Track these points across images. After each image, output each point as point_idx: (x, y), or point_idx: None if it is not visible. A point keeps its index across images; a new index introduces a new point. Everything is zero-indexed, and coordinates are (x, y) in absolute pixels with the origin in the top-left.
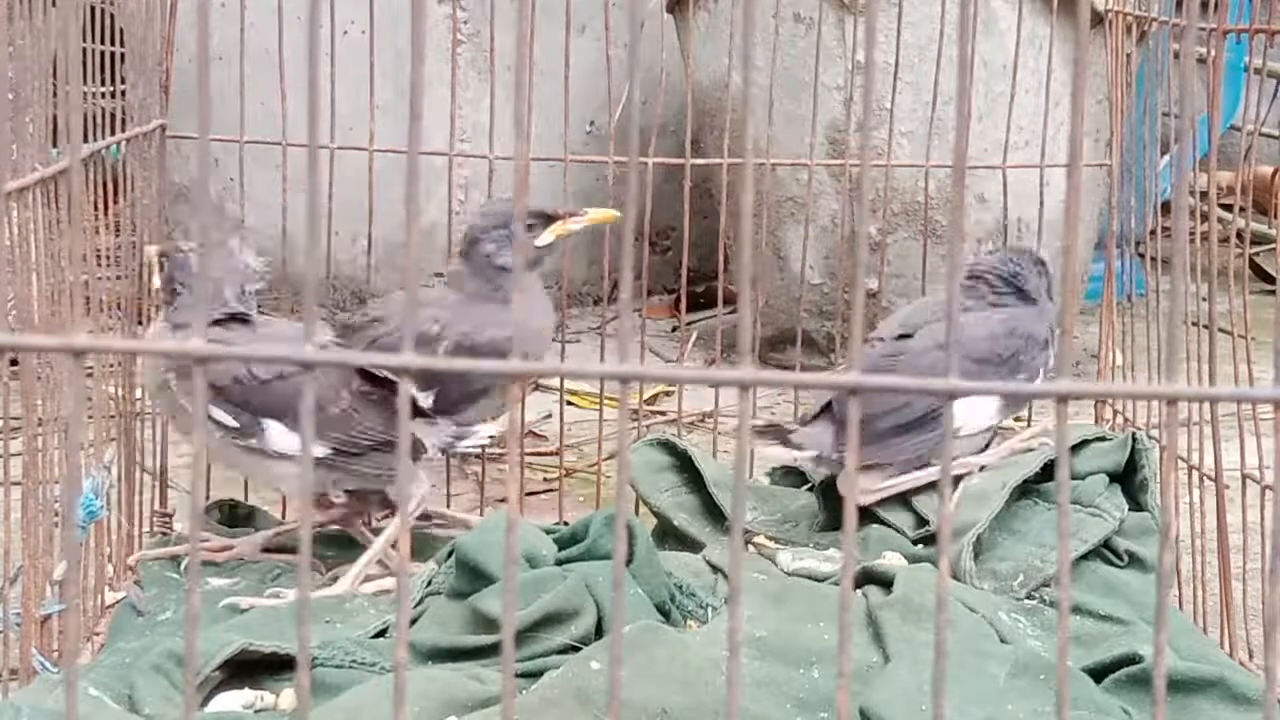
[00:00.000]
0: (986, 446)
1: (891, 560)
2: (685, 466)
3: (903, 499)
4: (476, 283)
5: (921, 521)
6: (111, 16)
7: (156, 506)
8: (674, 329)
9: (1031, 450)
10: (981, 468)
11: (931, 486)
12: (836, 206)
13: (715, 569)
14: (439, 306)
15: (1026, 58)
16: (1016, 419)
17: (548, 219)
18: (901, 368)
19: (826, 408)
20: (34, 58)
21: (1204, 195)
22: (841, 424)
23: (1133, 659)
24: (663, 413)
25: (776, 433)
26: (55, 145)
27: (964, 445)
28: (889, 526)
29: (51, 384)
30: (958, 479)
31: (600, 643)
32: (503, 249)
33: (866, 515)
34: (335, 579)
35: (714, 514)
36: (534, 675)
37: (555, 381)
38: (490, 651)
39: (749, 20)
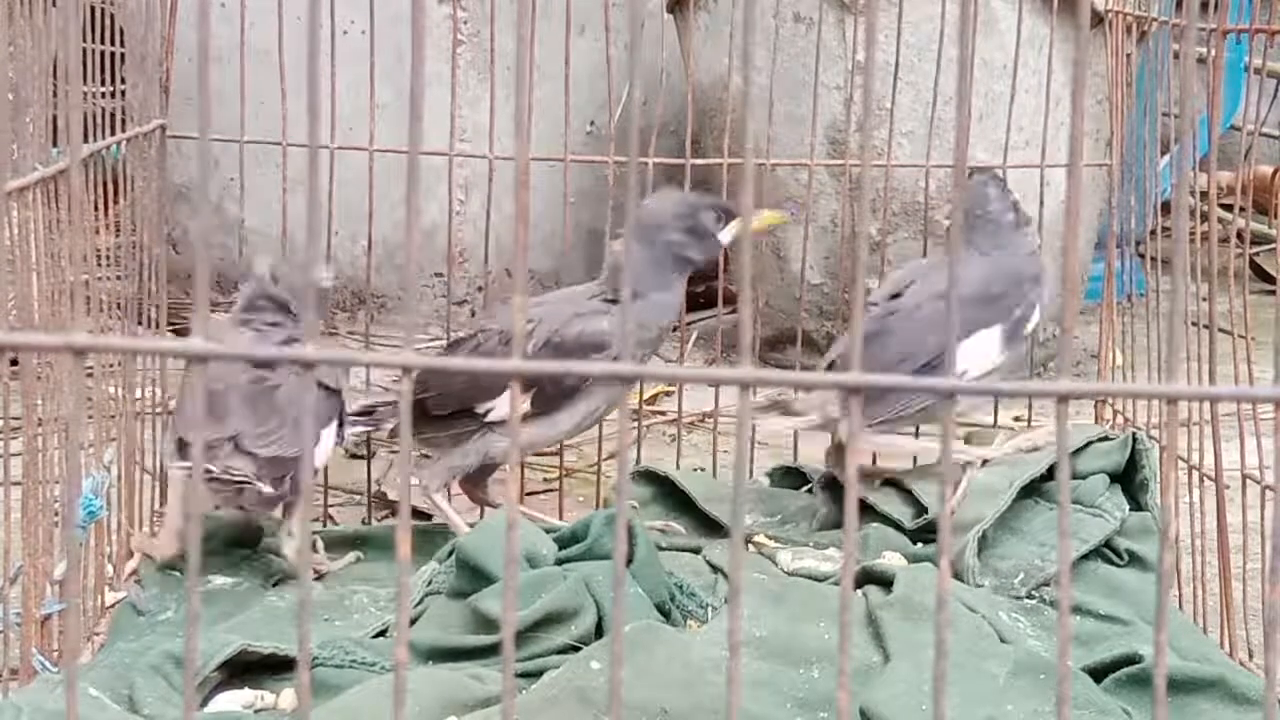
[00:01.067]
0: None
1: (891, 560)
2: (671, 491)
3: (903, 487)
4: (647, 275)
5: (921, 510)
6: (111, 16)
7: (156, 506)
8: (674, 329)
9: (1039, 449)
10: (984, 461)
11: (933, 474)
12: (836, 206)
13: (715, 569)
14: (562, 302)
15: (1026, 58)
16: (1016, 419)
17: (730, 214)
18: (897, 325)
19: (828, 369)
20: (34, 58)
21: (1204, 195)
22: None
23: (1133, 659)
24: (663, 412)
25: (778, 406)
26: (55, 145)
27: (968, 403)
28: (888, 522)
29: (51, 384)
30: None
31: (600, 642)
32: (692, 242)
33: (866, 510)
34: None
35: (711, 527)
36: (534, 675)
37: None
38: (490, 651)
39: (749, 20)
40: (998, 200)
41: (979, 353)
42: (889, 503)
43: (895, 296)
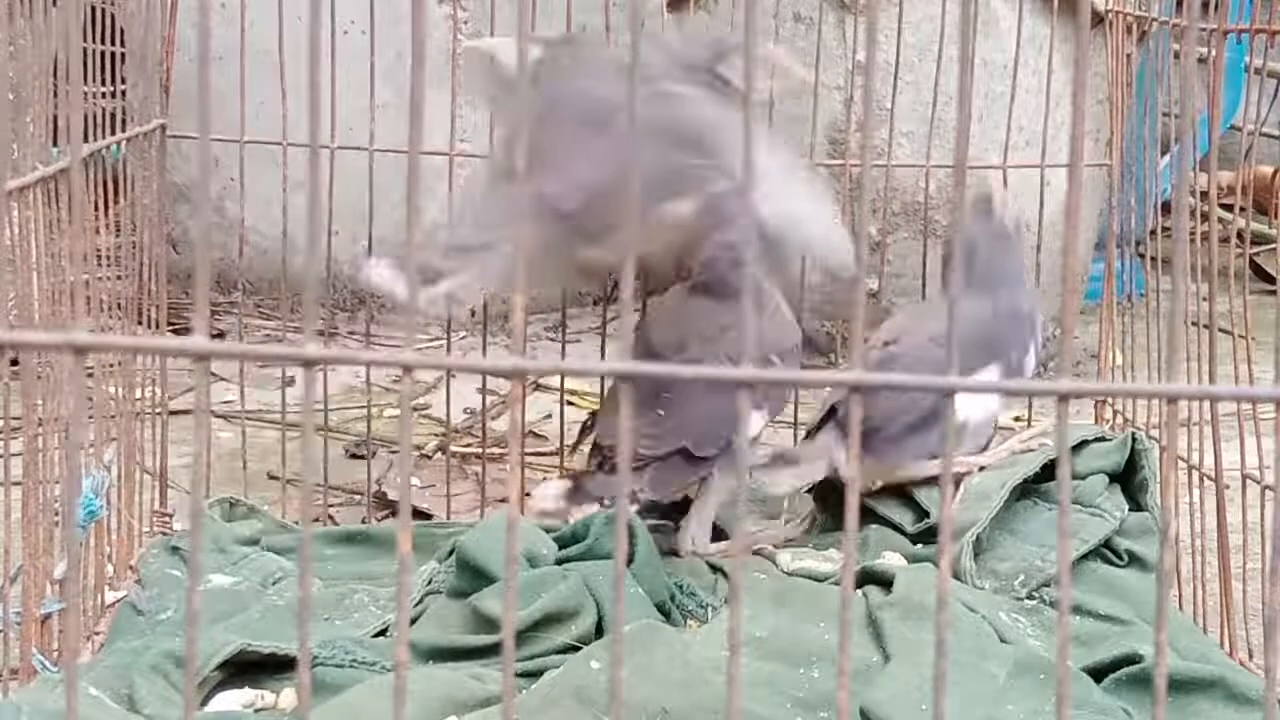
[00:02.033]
0: (987, 445)
1: (891, 560)
2: (669, 505)
3: (903, 492)
4: None
5: (922, 514)
6: (112, 16)
7: (156, 506)
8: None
9: (1032, 450)
10: (982, 467)
11: (934, 480)
12: (836, 207)
13: (715, 569)
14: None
15: (1027, 58)
16: (1016, 419)
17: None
18: (894, 369)
19: (829, 417)
20: (34, 58)
21: (1204, 195)
22: (847, 430)
23: (1133, 659)
24: None
25: (784, 460)
26: (56, 145)
27: (972, 441)
28: (889, 524)
29: (52, 384)
30: (958, 481)
31: (600, 642)
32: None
33: (866, 514)
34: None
35: (715, 534)
36: (534, 675)
37: (555, 381)
38: (490, 651)
39: (749, 20)
40: (991, 236)
41: (978, 398)
42: (889, 507)
43: (889, 344)
